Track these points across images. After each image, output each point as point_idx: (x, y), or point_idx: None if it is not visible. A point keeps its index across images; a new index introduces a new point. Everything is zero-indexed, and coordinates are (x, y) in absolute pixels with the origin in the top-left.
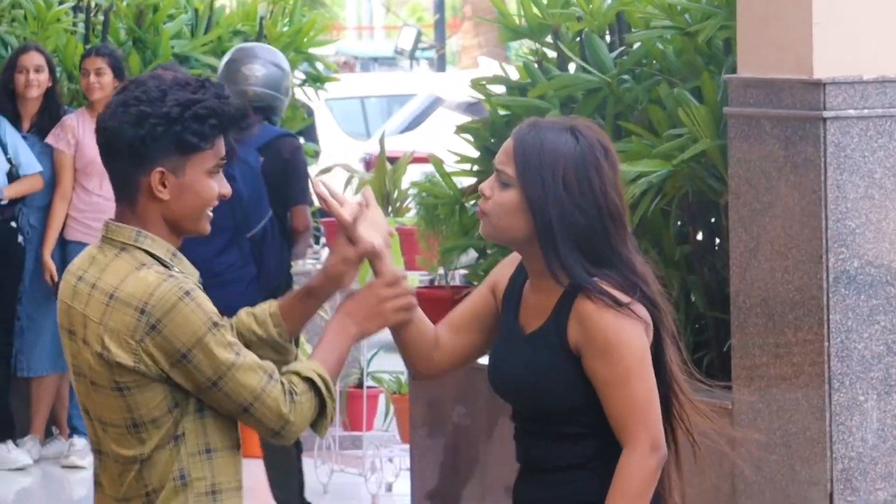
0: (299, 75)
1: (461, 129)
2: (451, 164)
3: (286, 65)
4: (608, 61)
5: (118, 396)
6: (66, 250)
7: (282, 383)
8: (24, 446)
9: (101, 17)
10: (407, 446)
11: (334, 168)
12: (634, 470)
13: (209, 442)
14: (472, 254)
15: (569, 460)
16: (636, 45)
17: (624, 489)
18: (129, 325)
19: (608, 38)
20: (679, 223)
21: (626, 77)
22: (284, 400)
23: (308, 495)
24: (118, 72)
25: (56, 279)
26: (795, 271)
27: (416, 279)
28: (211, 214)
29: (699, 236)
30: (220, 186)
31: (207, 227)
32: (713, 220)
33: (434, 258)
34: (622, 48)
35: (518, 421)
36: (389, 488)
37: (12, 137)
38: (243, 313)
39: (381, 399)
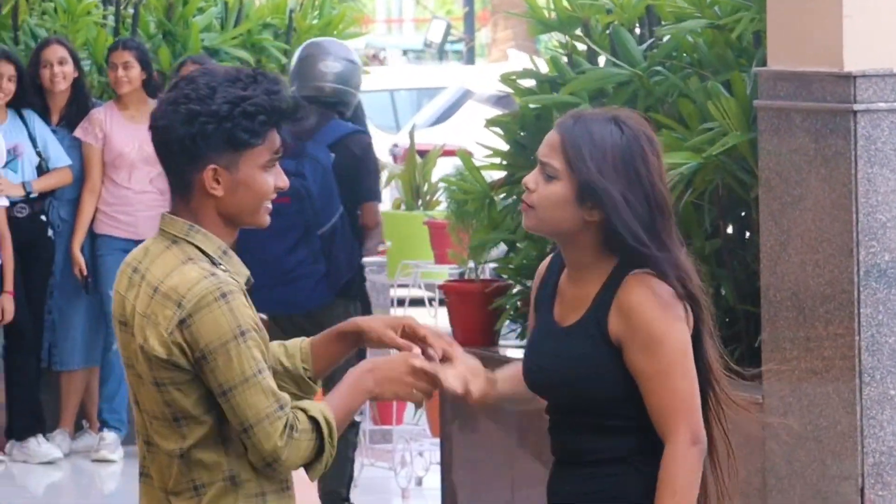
0: None
1: (491, 123)
2: (480, 158)
3: (357, 59)
4: (637, 54)
5: (157, 391)
6: (95, 244)
7: (287, 417)
8: (54, 440)
9: (130, 10)
10: (437, 440)
11: None
12: (679, 463)
13: None
14: (503, 247)
15: (608, 454)
16: (665, 38)
17: (672, 484)
18: (167, 317)
19: (637, 30)
20: (709, 217)
21: (658, 69)
22: (283, 433)
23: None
24: (145, 64)
25: (85, 273)
26: (826, 265)
27: (446, 272)
28: (270, 206)
29: (729, 230)
30: (276, 179)
31: (267, 220)
32: (743, 213)
33: (464, 252)
34: (651, 41)
35: (554, 414)
36: (419, 482)
37: (41, 131)
38: (275, 343)
39: None
